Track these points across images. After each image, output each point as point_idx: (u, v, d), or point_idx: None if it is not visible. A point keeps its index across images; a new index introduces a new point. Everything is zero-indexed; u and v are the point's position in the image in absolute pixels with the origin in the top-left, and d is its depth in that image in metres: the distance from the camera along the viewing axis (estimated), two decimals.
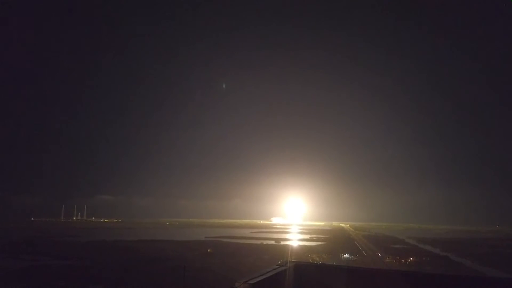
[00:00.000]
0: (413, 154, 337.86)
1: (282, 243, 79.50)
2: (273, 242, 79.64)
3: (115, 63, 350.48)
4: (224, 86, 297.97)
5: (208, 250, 57.49)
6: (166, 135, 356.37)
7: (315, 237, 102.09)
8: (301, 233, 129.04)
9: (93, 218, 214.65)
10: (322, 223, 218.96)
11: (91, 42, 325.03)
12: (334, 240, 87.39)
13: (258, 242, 77.80)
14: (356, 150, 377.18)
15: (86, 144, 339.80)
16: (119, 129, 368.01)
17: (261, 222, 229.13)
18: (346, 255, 52.07)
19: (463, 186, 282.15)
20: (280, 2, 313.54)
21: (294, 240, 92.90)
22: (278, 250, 59.94)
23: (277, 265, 12.63)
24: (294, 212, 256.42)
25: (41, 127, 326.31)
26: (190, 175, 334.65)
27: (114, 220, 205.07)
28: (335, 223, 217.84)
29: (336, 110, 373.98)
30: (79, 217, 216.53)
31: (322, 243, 79.16)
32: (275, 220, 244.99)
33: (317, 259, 48.94)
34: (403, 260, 49.30)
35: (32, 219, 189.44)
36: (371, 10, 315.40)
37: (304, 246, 72.49)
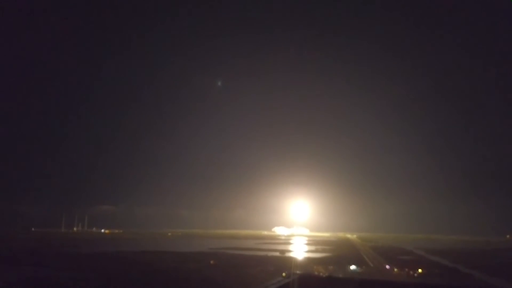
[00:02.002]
0: (422, 163, 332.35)
1: (287, 254, 78.11)
2: (277, 253, 78.28)
3: (116, 71, 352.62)
4: (228, 95, 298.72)
5: (211, 262, 56.50)
6: (168, 144, 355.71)
7: (320, 248, 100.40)
8: (306, 244, 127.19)
9: (94, 228, 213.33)
10: (328, 234, 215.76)
11: (92, 48, 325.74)
12: (339, 251, 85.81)
13: (263, 253, 76.54)
14: (362, 158, 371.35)
15: (86, 153, 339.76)
16: (120, 138, 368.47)
17: (265, 233, 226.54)
18: (353, 267, 50.85)
19: (473, 196, 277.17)
20: (280, 5, 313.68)
21: (299, 251, 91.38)
22: (283, 262, 58.74)
23: (282, 277, 12.02)
24: (298, 223, 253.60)
25: (41, 136, 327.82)
26: (193, 185, 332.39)
27: (116, 231, 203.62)
28: (340, 234, 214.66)
29: (342, 116, 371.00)
30: (79, 228, 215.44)
31: (328, 254, 77.67)
32: (278, 231, 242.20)
33: (323, 270, 47.81)
34: (411, 272, 47.96)
35: (33, 229, 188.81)
36: (375, 12, 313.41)
37: (309, 257, 71.15)
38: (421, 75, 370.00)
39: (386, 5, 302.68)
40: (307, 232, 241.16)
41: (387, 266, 53.44)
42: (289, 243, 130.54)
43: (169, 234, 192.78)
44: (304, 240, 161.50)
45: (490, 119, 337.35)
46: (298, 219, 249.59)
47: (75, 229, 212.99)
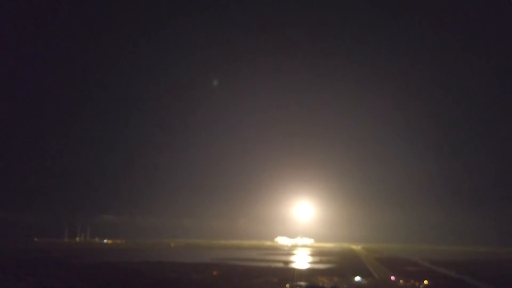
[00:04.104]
0: (428, 173, 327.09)
1: (291, 265, 77.29)
2: (281, 264, 77.49)
3: (117, 79, 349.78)
4: (230, 104, 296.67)
5: (214, 273, 56.03)
6: (170, 153, 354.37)
7: (324, 259, 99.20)
8: (310, 254, 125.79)
9: (97, 238, 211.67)
10: (332, 245, 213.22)
11: (92, 54, 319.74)
12: (344, 262, 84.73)
13: (266, 264, 75.75)
14: (368, 167, 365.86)
15: (88, 162, 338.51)
16: (122, 148, 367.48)
17: (269, 243, 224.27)
18: (357, 278, 50.21)
19: (480, 206, 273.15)
20: (279, 8, 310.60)
21: (303, 262, 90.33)
22: (287, 273, 58.14)
23: None
24: (302, 232, 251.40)
25: (43, 146, 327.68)
26: (195, 194, 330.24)
27: (118, 241, 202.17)
28: (345, 245, 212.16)
29: (348, 125, 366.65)
30: (82, 237, 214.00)
31: (332, 265, 76.76)
32: (281, 240, 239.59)
33: (327, 282, 47.27)
34: (417, 283, 47.37)
35: (36, 239, 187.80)
36: (376, 12, 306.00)
37: (314, 268, 70.25)
38: (429, 85, 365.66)
39: (388, 7, 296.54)
40: (311, 242, 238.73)
41: (393, 278, 52.70)
42: (293, 254, 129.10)
43: (172, 244, 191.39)
44: (308, 250, 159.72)
45: (495, 127, 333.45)
46: (302, 229, 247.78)
47: (77, 239, 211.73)
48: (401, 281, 49.46)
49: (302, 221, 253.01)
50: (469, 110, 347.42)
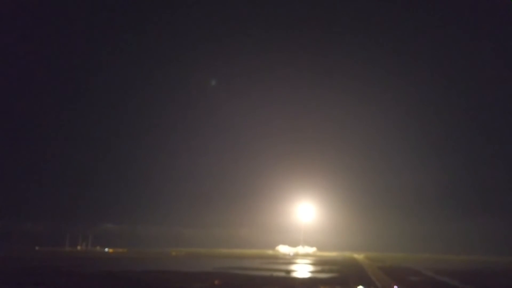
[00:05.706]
0: (431, 180, 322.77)
1: (293, 274, 76.87)
2: (283, 273, 77.07)
3: (115, 80, 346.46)
4: (229, 109, 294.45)
5: (216, 282, 55.80)
6: (172, 162, 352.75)
7: (326, 268, 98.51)
8: (311, 264, 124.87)
9: (98, 247, 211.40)
10: (334, 254, 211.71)
11: (86, 52, 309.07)
12: (346, 271, 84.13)
13: (268, 273, 75.33)
14: (372, 174, 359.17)
15: (90, 170, 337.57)
16: (123, 156, 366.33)
17: (270, 252, 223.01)
18: (360, 287, 49.95)
19: (483, 215, 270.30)
20: (278, 5, 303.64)
21: (305, 271, 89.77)
22: (289, 282, 57.82)
23: None
24: (304, 241, 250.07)
25: (44, 152, 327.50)
26: (196, 203, 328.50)
27: (119, 250, 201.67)
28: (347, 253, 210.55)
29: (354, 131, 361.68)
30: (83, 246, 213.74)
31: (334, 274, 76.28)
32: (283, 249, 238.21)
33: None
34: None
35: (37, 248, 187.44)
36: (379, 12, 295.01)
37: (315, 277, 69.83)
38: (439, 91, 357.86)
39: (397, 3, 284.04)
40: (313, 251, 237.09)
41: (395, 287, 52.31)
42: (294, 263, 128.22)
43: (173, 253, 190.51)
44: (310, 259, 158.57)
45: (506, 136, 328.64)
46: (304, 238, 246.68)
47: (79, 247, 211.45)
48: None
49: (304, 229, 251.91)
50: (480, 118, 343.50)
